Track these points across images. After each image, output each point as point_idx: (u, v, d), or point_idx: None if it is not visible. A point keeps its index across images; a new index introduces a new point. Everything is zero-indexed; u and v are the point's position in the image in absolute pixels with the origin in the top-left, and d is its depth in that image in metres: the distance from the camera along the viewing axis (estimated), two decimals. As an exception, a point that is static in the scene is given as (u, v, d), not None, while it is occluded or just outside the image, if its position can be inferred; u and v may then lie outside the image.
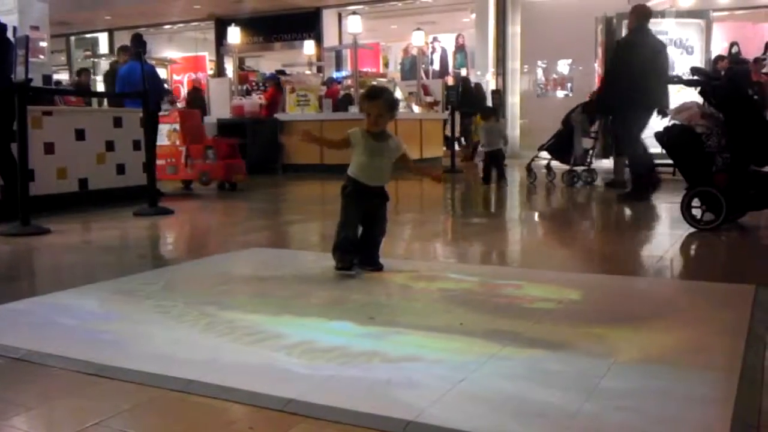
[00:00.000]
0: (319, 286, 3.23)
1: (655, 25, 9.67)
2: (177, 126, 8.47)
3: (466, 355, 2.21)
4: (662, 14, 9.92)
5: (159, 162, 8.25)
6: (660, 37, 9.51)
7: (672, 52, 9.57)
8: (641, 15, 7.03)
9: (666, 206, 6.23)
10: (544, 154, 8.79)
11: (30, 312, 2.89)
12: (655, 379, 2.00)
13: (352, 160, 3.50)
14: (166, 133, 8.48)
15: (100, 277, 3.55)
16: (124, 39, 19.92)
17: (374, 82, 13.52)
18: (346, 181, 3.50)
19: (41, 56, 7.57)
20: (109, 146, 7.05)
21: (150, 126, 7.11)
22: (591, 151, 8.35)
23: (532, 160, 9.12)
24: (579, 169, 8.31)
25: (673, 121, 4.95)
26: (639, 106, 6.67)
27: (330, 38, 16.51)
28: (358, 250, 3.45)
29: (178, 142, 8.47)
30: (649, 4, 11.04)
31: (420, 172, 4.06)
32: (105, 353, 2.29)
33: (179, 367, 2.14)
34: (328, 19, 16.69)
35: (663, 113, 6.70)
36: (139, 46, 7.97)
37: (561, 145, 8.36)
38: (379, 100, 3.46)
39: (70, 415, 1.87)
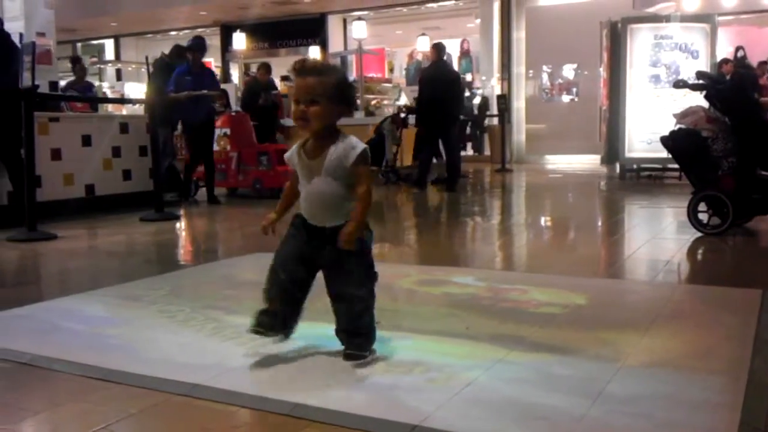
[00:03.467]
0: (324, 291, 3.21)
1: (660, 30, 9.70)
2: (227, 131, 8.13)
3: (471, 360, 2.21)
4: (667, 19, 9.91)
5: None
6: (665, 41, 9.63)
7: (677, 57, 9.60)
8: (440, 51, 9.02)
9: (672, 210, 6.21)
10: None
11: (36, 317, 2.90)
12: (662, 384, 2.00)
13: None
14: (216, 138, 8.13)
15: (106, 283, 3.56)
16: (130, 45, 20.17)
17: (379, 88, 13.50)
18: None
19: (47, 63, 7.60)
20: (116, 152, 7.07)
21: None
22: (396, 155, 9.80)
23: None
24: (389, 171, 9.64)
25: (678, 126, 4.94)
26: (437, 122, 8.63)
27: (335, 44, 16.55)
28: (289, 309, 2.28)
29: (228, 148, 8.13)
30: (654, 8, 11.09)
31: (355, 216, 2.18)
32: (111, 358, 2.30)
33: (185, 372, 2.14)
34: (333, 24, 16.73)
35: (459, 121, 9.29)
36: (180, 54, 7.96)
37: (374, 150, 9.64)
38: (312, 76, 2.14)
39: (76, 420, 1.87)
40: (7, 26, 6.50)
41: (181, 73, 7.53)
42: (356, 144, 2.19)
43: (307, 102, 2.14)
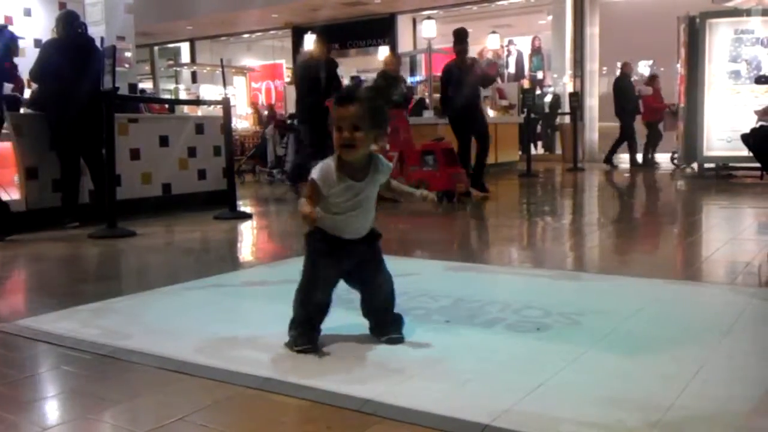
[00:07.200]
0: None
1: (741, 24, 9.37)
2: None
3: (543, 359, 2.18)
4: (748, 12, 9.58)
5: None
6: (746, 36, 9.33)
7: (758, 52, 9.26)
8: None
9: (753, 211, 5.99)
10: None
11: (116, 310, 3.00)
12: (743, 389, 1.93)
13: (321, 209, 2.32)
14: None
15: (182, 278, 3.66)
16: (204, 48, 20.67)
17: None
18: (313, 229, 2.36)
19: (127, 65, 7.84)
20: (191, 152, 7.27)
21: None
22: (284, 157, 10.50)
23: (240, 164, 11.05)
24: (275, 171, 10.56)
25: (760, 123, 4.77)
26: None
27: (404, 44, 16.57)
28: (325, 315, 2.42)
29: (387, 147, 7.34)
30: (735, 2, 10.73)
31: (405, 193, 2.55)
32: (187, 350, 2.36)
33: (258, 366, 2.18)
34: (403, 24, 16.76)
35: None
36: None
37: (261, 153, 11.21)
38: (354, 104, 2.26)
39: (153, 410, 1.93)
40: (90, 30, 6.76)
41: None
42: (384, 159, 2.44)
43: (349, 128, 2.26)
